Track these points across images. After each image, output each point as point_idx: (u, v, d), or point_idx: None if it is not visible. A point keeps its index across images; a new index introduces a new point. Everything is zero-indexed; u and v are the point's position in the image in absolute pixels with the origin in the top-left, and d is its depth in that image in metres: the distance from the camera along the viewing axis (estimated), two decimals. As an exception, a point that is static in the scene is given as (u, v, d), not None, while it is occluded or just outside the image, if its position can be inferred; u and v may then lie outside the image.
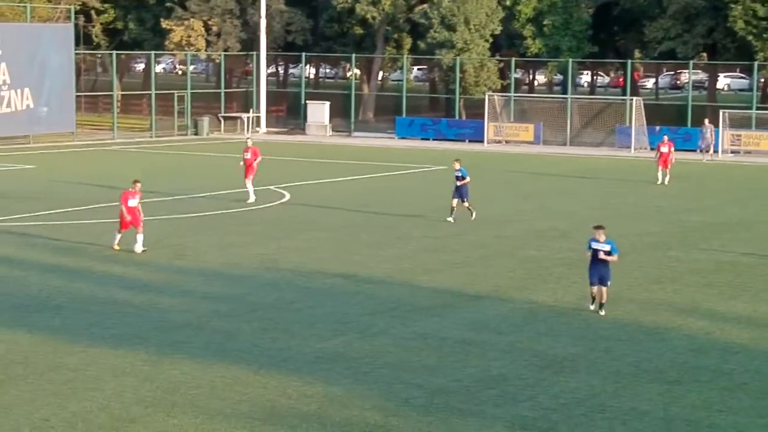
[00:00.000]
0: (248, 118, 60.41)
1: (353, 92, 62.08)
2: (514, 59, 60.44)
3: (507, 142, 55.92)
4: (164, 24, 63.39)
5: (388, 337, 17.33)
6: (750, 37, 55.12)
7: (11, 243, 24.86)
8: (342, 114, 61.64)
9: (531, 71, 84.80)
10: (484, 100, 56.41)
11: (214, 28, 63.58)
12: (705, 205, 34.14)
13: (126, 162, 45.38)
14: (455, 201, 28.68)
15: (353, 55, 63.61)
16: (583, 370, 15.65)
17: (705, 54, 62.45)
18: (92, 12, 67.09)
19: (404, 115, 59.58)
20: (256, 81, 63.03)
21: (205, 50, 63.78)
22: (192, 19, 62.81)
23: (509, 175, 42.08)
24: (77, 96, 55.46)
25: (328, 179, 39.52)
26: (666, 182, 38.60)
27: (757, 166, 47.21)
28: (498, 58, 61.51)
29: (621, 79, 77.78)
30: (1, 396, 13.91)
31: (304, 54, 64.07)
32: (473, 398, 14.24)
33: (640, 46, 67.17)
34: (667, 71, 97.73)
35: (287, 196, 33.94)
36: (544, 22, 60.01)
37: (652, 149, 47.20)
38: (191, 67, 67.18)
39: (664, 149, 39.11)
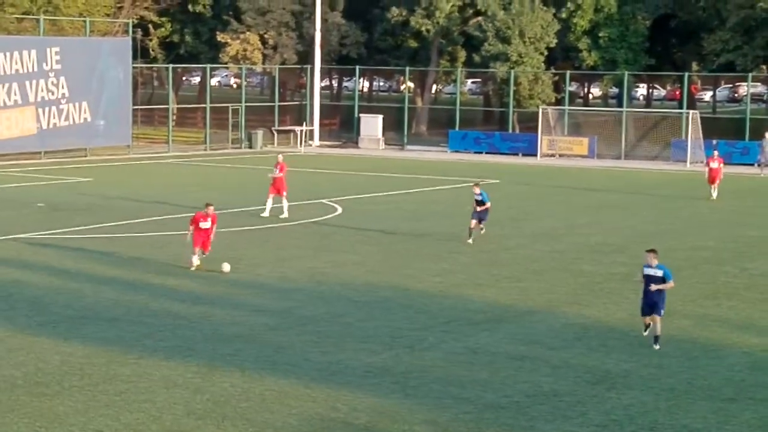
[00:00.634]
0: (302, 131, 60.75)
1: (406, 105, 62.16)
2: (569, 72, 60.15)
3: (561, 155, 55.61)
4: (220, 37, 64.06)
5: (439, 351, 17.29)
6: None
7: (68, 255, 25.21)
8: (395, 127, 61.74)
9: (586, 84, 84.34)
10: (537, 113, 56.17)
11: (270, 41, 64.09)
12: (762, 220, 33.65)
13: (180, 175, 45.85)
14: (473, 222, 27.47)
15: (407, 68, 63.73)
16: (636, 387, 15.48)
17: (765, 66, 61.65)
18: (150, 26, 68.00)
19: (457, 129, 59.52)
20: (309, 94, 63.37)
21: (262, 63, 64.30)
22: (248, 33, 63.39)
23: (563, 189, 41.83)
24: (134, 109, 56.19)
25: (381, 193, 39.58)
26: (714, 197, 38.05)
27: (817, 180, 46.44)
28: (553, 71, 61.27)
29: (677, 92, 77.02)
30: (56, 406, 14.09)
31: (357, 67, 64.32)
32: (524, 414, 14.15)
33: (697, 58, 66.53)
34: (725, 84, 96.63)
35: (339, 210, 34.03)
36: (600, 35, 59.70)
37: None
38: (246, 81, 67.71)
39: (713, 165, 38.61)
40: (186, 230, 24.16)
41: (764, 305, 21.03)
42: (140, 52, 64.63)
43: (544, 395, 14.96)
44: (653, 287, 17.41)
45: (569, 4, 60.14)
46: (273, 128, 62.09)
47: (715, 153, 40.02)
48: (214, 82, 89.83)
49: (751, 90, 60.36)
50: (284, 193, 31.79)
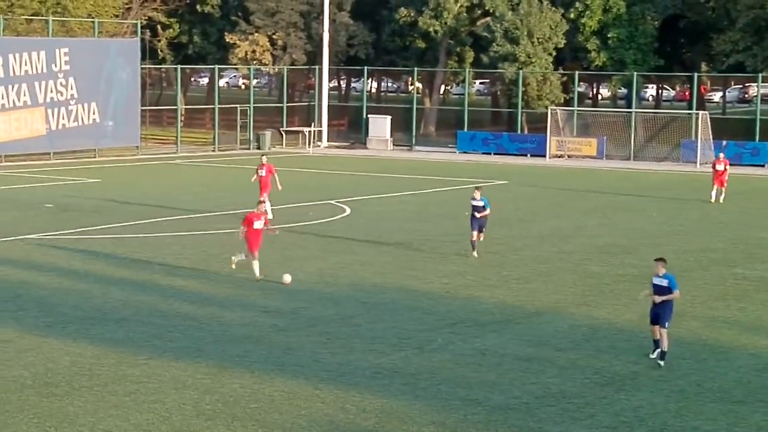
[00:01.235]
0: (310, 132, 60.76)
1: (415, 106, 62.14)
2: (577, 73, 60.06)
3: (569, 156, 55.53)
4: (228, 38, 64.12)
5: (447, 352, 17.27)
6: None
7: (76, 256, 25.25)
8: (403, 128, 61.72)
9: (595, 85, 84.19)
10: (546, 114, 56.10)
11: (279, 42, 64.12)
12: (772, 221, 33.54)
13: (189, 176, 45.90)
14: (475, 234, 25.53)
15: (415, 69, 63.68)
16: (645, 389, 15.44)
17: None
18: (158, 27, 68.10)
19: (466, 129, 59.47)
20: (318, 95, 63.40)
21: (272, 65, 64.33)
22: (256, 34, 63.44)
23: (571, 190, 41.77)
24: (142, 110, 56.27)
25: (389, 194, 39.56)
26: (721, 200, 37.59)
27: (827, 181, 46.31)
28: (561, 71, 61.19)
29: (687, 93, 76.84)
30: (65, 407, 14.12)
31: (366, 68, 64.30)
32: (532, 416, 14.13)
33: (707, 59, 66.36)
34: (735, 84, 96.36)
35: (348, 211, 34.03)
36: (609, 35, 59.58)
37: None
38: (254, 81, 67.78)
39: (719, 167, 38.29)
40: (238, 228, 22.78)
41: (774, 307, 20.97)
42: (149, 53, 64.75)
43: (552, 396, 14.94)
44: (657, 299, 16.72)
45: (578, 5, 60.05)
46: (281, 129, 62.12)
47: (722, 155, 39.76)
48: (222, 83, 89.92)
49: (762, 90, 60.06)
50: (265, 195, 30.67)
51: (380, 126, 60.72)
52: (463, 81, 65.00)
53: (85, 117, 51.62)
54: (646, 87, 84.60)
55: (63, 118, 50.58)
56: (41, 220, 31.00)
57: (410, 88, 80.00)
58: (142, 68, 56.63)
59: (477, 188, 26.25)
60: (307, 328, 18.63)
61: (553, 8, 59.28)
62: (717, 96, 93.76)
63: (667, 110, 70.28)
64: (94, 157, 51.90)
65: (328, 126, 62.65)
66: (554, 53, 59.20)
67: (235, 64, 65.30)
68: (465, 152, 57.46)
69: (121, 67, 53.11)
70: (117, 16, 61.37)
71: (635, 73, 58.02)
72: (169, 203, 34.81)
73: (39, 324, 18.63)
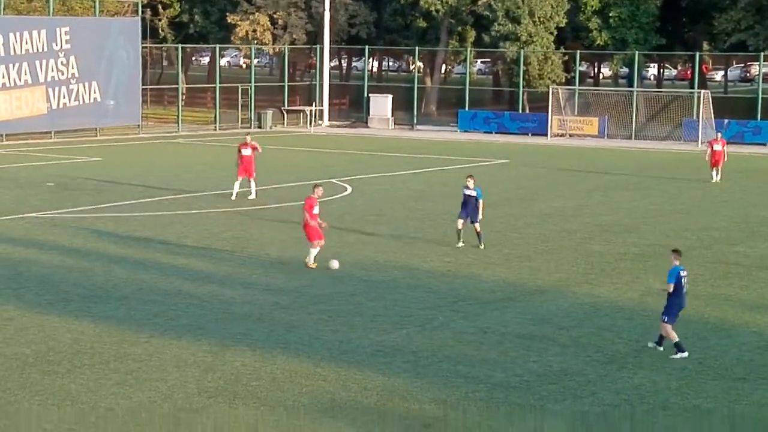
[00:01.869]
0: (311, 111, 60.67)
1: (416, 85, 61.98)
2: (579, 52, 59.87)
3: (571, 135, 55.44)
4: (230, 18, 63.92)
5: (449, 330, 17.29)
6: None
7: (78, 234, 25.25)
8: (404, 107, 61.60)
9: (596, 64, 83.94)
10: (548, 93, 55.95)
11: (280, 22, 63.91)
12: (774, 199, 33.51)
13: (190, 155, 45.85)
14: (461, 222, 23.95)
15: (416, 48, 63.51)
16: (647, 366, 15.46)
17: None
18: (159, 5, 67.86)
19: (467, 109, 59.34)
20: (319, 74, 63.24)
21: (273, 44, 64.13)
22: (257, 13, 63.22)
23: (573, 169, 41.72)
24: (143, 89, 56.15)
25: (390, 173, 39.53)
26: (718, 180, 37.60)
27: (829, 161, 46.23)
28: (563, 50, 61.00)
29: (689, 72, 76.65)
30: (67, 384, 14.14)
31: (367, 47, 64.09)
32: (534, 393, 14.15)
33: (709, 38, 66.13)
34: (736, 63, 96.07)
35: (349, 189, 34.01)
36: (611, 14, 59.36)
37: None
38: (255, 61, 67.60)
39: (717, 147, 38.19)
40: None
41: (775, 285, 20.97)
42: (149, 32, 64.52)
43: (554, 374, 14.95)
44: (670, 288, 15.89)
45: (579, -17, 59.84)
46: (282, 108, 62.01)
47: (719, 135, 39.64)
48: (223, 62, 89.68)
49: (764, 69, 59.87)
50: (253, 175, 30.87)
51: (381, 105, 60.61)
52: (465, 60, 64.81)
53: (86, 96, 51.52)
54: (648, 66, 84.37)
55: (64, 97, 50.48)
56: (42, 198, 30.99)
57: (411, 67, 79.87)
58: (143, 47, 56.46)
59: (470, 176, 24.37)
60: (309, 306, 18.64)
61: (555, -13, 59.02)
62: (719, 75, 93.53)
63: (668, 89, 70.14)
64: (96, 136, 51.84)
65: (330, 105, 62.52)
66: (555, 32, 59.00)
67: (237, 44, 65.11)
68: (466, 131, 57.37)
69: (122, 46, 52.96)
70: (117, -6, 61.10)
71: (637, 52, 57.84)
72: (171, 182, 34.78)
73: (41, 302, 18.64)
